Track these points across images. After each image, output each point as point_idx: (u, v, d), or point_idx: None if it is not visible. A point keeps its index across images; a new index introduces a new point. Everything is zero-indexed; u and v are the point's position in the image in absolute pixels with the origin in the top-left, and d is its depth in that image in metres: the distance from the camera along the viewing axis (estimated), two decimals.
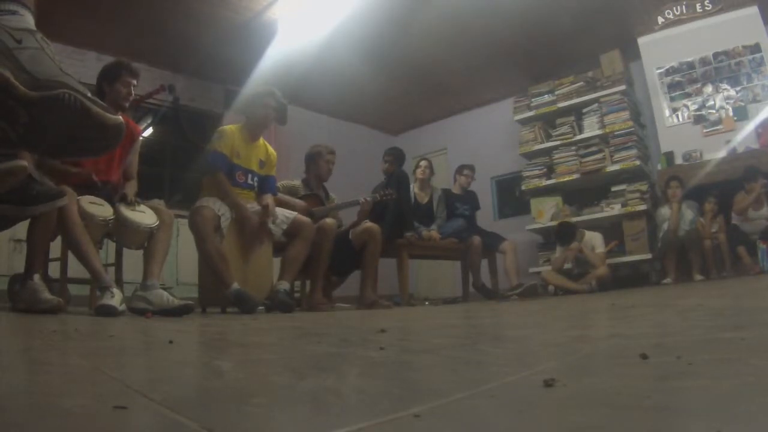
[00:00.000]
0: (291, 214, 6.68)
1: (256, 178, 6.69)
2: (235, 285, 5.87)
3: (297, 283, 7.89)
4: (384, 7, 9.45)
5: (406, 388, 1.48)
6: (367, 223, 7.71)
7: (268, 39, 9.84)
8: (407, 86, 12.33)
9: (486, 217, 12.10)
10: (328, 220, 7.11)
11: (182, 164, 10.86)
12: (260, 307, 6.14)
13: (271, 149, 6.97)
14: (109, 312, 4.44)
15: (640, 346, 1.88)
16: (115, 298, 4.64)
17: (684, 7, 10.94)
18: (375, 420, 1.04)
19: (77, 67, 9.20)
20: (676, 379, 1.38)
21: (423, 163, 10.09)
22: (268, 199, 6.59)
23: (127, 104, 5.63)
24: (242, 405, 1.19)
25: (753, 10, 10.47)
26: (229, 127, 6.68)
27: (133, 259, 5.76)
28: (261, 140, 6.88)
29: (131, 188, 5.70)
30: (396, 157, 9.39)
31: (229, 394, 1.34)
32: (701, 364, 1.59)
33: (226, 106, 11.40)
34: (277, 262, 6.76)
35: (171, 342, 2.61)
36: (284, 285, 6.39)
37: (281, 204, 6.94)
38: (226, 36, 9.82)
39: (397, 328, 3.82)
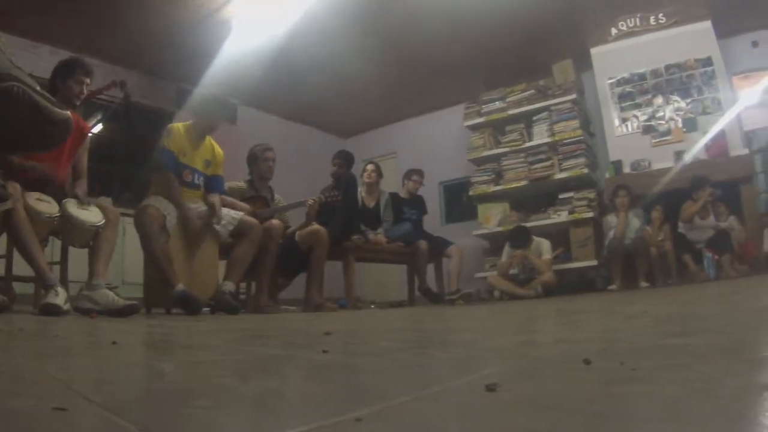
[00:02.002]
0: (237, 214, 6.64)
1: (201, 178, 6.63)
2: (180, 285, 5.82)
3: (243, 284, 7.85)
4: (337, 12, 9.43)
5: (350, 392, 1.48)
6: (314, 226, 7.69)
7: (221, 38, 9.78)
8: (359, 90, 12.30)
9: (433, 222, 12.11)
10: (275, 222, 7.06)
11: (132, 162, 10.75)
12: (205, 309, 6.10)
13: (218, 149, 6.91)
14: (54, 311, 4.40)
15: (585, 351, 1.89)
16: (60, 297, 4.59)
17: (638, 19, 11.06)
18: (317, 423, 1.04)
19: (30, 60, 9.04)
20: (621, 384, 1.39)
21: (370, 167, 10.11)
22: (215, 198, 6.55)
23: (78, 102, 5.57)
24: (184, 407, 1.19)
25: (706, 25, 10.66)
26: (177, 125, 6.62)
27: (78, 257, 5.66)
28: (208, 139, 6.82)
29: (81, 187, 5.64)
30: (345, 160, 9.38)
31: (172, 396, 1.33)
32: (646, 369, 1.60)
33: (178, 104, 11.24)
34: (223, 263, 6.72)
35: (115, 343, 2.59)
36: (229, 286, 6.35)
37: (227, 206, 6.90)
38: (180, 34, 9.73)
39: (342, 331, 3.82)
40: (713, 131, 10.13)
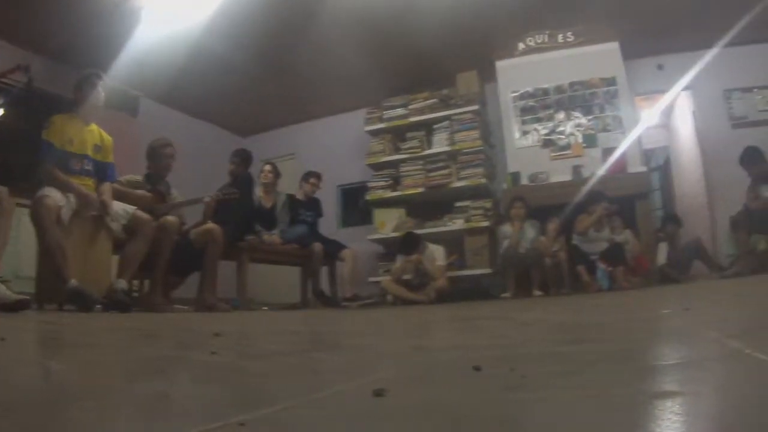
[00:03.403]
0: (130, 208, 6.51)
1: (91, 164, 6.47)
2: (74, 281, 5.69)
3: (136, 281, 7.73)
4: (244, 8, 9.34)
5: (237, 395, 1.47)
6: (209, 224, 7.60)
7: (130, 28, 9.59)
8: (262, 88, 12.16)
9: (329, 225, 12.07)
10: (170, 218, 6.91)
11: (33, 150, 10.44)
12: (98, 306, 5.98)
13: (105, 134, 6.74)
14: None
15: (477, 357, 1.90)
16: None
17: (546, 36, 11.21)
18: (199, 428, 1.02)
19: None
20: (512, 391, 1.40)
21: (267, 167, 10.05)
22: (106, 189, 6.43)
23: None
24: (69, 409, 1.16)
25: (614, 46, 10.91)
26: (59, 116, 6.47)
27: None
28: (94, 125, 6.67)
29: None
30: (243, 159, 9.32)
31: (58, 396, 1.30)
32: (538, 376, 1.62)
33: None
34: (116, 258, 6.59)
35: (3, 339, 2.52)
36: (122, 283, 6.23)
37: (123, 197, 6.77)
38: (89, 20, 9.46)
39: (234, 332, 3.79)
40: (621, 148, 10.33)
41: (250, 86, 11.92)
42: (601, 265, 9.34)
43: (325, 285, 9.79)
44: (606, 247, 9.54)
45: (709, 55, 10.47)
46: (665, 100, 12.12)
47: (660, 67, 11.55)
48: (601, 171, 10.16)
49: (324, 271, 9.87)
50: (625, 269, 9.39)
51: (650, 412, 1.12)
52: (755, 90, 11.26)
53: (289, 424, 1.12)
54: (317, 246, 9.54)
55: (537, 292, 9.44)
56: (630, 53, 10.95)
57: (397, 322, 5.43)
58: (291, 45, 10.48)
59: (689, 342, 2.36)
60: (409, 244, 9.89)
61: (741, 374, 1.48)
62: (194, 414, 1.20)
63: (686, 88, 11.52)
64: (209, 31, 9.61)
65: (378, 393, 1.32)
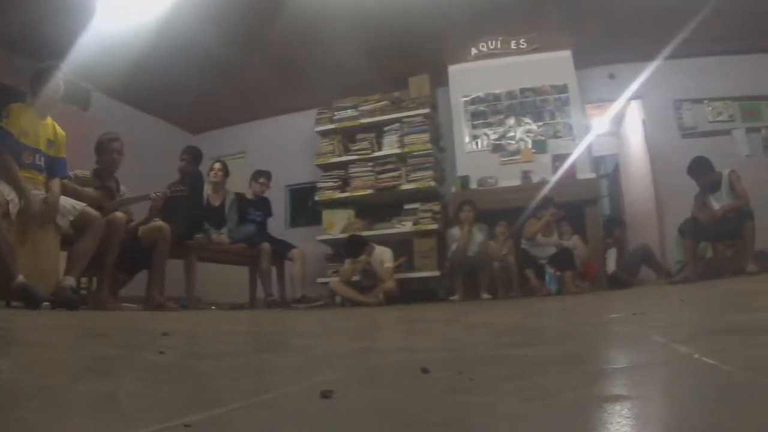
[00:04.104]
0: (79, 204, 6.41)
1: (43, 159, 6.38)
2: (21, 278, 5.61)
3: (84, 279, 7.65)
4: (199, 6, 9.27)
5: (183, 396, 1.45)
6: (157, 222, 7.49)
7: (85, 20, 9.46)
8: (214, 85, 12.07)
9: (278, 225, 12.04)
10: (118, 215, 6.78)
11: None
12: (45, 303, 5.90)
13: (59, 129, 6.62)
14: None
15: (425, 360, 1.89)
16: None
17: (499, 42, 11.28)
18: (144, 429, 1.01)
19: None
20: (459, 394, 1.39)
21: (217, 165, 9.96)
22: (55, 185, 6.34)
23: None
24: (15, 409, 1.13)
25: (567, 54, 11.10)
26: (17, 105, 6.36)
27: None
28: (49, 119, 6.58)
29: None
30: (193, 156, 9.26)
31: (2, 396, 1.28)
32: (485, 380, 1.62)
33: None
34: (64, 255, 6.51)
35: None
36: (70, 281, 6.13)
37: (72, 193, 6.69)
38: (44, 9, 9.35)
39: (182, 331, 3.77)
40: (572, 155, 10.46)
41: (202, 83, 11.83)
42: (550, 270, 9.41)
43: (273, 285, 9.74)
44: (555, 251, 9.60)
45: (653, 65, 10.60)
46: (615, 108, 12.23)
47: (612, 76, 11.70)
48: (553, 177, 10.24)
49: (273, 271, 9.81)
50: (573, 274, 9.48)
51: (599, 416, 1.12)
52: (706, 101, 11.48)
53: (235, 426, 1.11)
54: (265, 246, 9.49)
55: (485, 296, 9.48)
56: (582, 62, 11.13)
57: (345, 323, 5.42)
58: (244, 43, 10.43)
59: (637, 346, 2.37)
60: (353, 246, 9.90)
61: (689, 378, 1.49)
62: (139, 415, 1.18)
63: (637, 97, 11.74)
64: (164, 27, 9.51)
65: (325, 395, 1.32)
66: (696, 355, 1.75)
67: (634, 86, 10.95)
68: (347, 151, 11.99)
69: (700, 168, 9.08)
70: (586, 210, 10.30)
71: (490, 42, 11.28)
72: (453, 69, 11.67)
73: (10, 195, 5.83)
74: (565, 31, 10.73)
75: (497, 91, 11.40)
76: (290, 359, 2.42)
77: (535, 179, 10.57)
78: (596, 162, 12.66)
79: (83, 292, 7.58)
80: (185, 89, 12.04)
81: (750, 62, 11.39)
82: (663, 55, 10.34)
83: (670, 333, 2.51)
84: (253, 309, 9.41)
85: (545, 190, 9.79)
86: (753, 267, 8.34)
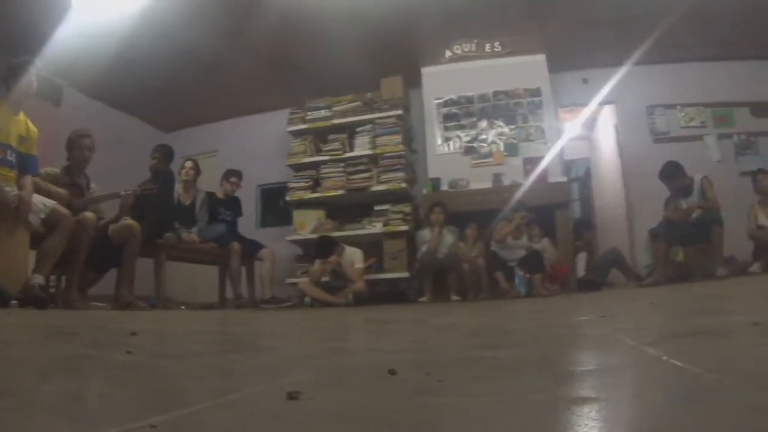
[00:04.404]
0: (50, 202, 6.36)
1: (14, 155, 6.32)
2: None
3: (53, 277, 7.59)
4: (174, 3, 9.22)
5: (150, 396, 1.44)
6: (128, 220, 7.43)
7: (60, 15, 9.39)
8: (187, 83, 11.99)
9: (248, 225, 12.00)
10: (88, 214, 6.77)
11: None
12: (13, 301, 5.86)
13: (32, 125, 6.56)
14: None
15: (394, 361, 1.88)
16: None
17: (474, 45, 11.34)
18: (109, 430, 1.00)
19: None
20: (427, 395, 1.39)
21: (188, 163, 9.92)
22: (27, 183, 6.28)
23: None
24: None
25: (541, 58, 11.21)
26: None
27: None
28: (22, 115, 6.51)
29: None
30: (164, 154, 9.20)
31: None
32: (454, 381, 1.61)
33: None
34: (33, 253, 6.46)
35: None
36: (39, 279, 6.09)
37: (41, 191, 6.63)
38: (19, 3, 9.26)
39: (150, 331, 3.75)
40: (545, 159, 10.57)
41: (175, 81, 11.77)
42: (519, 272, 9.44)
43: (243, 285, 9.71)
44: (524, 254, 9.63)
45: (623, 70, 10.69)
46: (587, 112, 12.30)
47: (585, 81, 11.83)
48: (524, 180, 10.32)
49: (243, 270, 9.78)
50: (543, 276, 9.52)
51: (567, 418, 1.12)
52: (678, 107, 11.66)
53: (201, 426, 1.10)
54: (235, 245, 9.47)
55: (455, 297, 9.51)
56: (556, 66, 11.24)
57: (314, 324, 5.42)
58: (218, 41, 10.40)
59: (606, 349, 2.37)
60: (324, 247, 9.89)
61: (657, 381, 1.49)
62: (105, 415, 1.17)
63: (610, 102, 11.85)
64: (138, 24, 9.47)
65: (292, 396, 1.31)
66: (665, 358, 1.75)
67: (604, 92, 11.03)
68: (319, 152, 11.96)
69: (671, 173, 9.16)
70: (557, 213, 10.40)
71: (464, 45, 11.34)
72: (426, 71, 11.73)
73: None
74: (540, 35, 10.82)
75: (470, 94, 11.47)
76: (258, 360, 2.41)
77: (506, 182, 10.65)
78: (567, 165, 12.73)
79: (52, 290, 7.54)
80: (158, 87, 11.97)
81: (722, 69, 11.57)
82: (632, 61, 10.48)
83: (639, 335, 2.51)
84: (223, 309, 9.39)
85: (519, 194, 9.83)
86: (722, 271, 8.43)
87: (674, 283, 8.50)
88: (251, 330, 4.50)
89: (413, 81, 11.94)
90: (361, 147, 11.60)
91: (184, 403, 1.32)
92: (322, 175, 11.73)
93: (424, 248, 9.86)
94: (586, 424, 1.06)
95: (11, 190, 6.05)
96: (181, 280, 11.84)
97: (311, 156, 11.91)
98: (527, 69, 11.22)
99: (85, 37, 9.54)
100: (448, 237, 9.84)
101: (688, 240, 9.17)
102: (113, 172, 9.43)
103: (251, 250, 9.83)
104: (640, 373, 1.65)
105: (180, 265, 9.94)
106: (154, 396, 1.46)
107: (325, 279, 9.90)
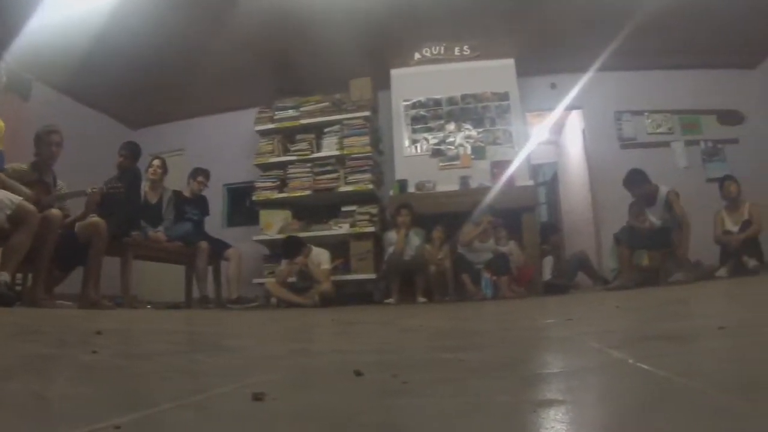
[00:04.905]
0: (16, 198, 6.31)
1: None
2: None
3: (19, 275, 7.53)
4: (154, 2, 9.21)
5: (114, 396, 1.43)
6: (94, 218, 7.36)
7: (30, 9, 9.29)
8: (156, 80, 11.88)
9: (215, 224, 11.95)
10: (54, 211, 6.67)
11: None
12: None
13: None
14: None
15: (359, 362, 1.88)
16: None
17: (443, 48, 11.37)
18: (73, 430, 0.99)
19: None
20: (393, 397, 1.39)
21: (156, 162, 9.83)
22: None
23: None
24: None
25: (509, 62, 11.34)
26: None
27: None
28: None
29: None
30: (132, 152, 9.14)
31: None
32: (419, 383, 1.61)
33: None
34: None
35: None
36: (4, 276, 6.04)
37: (6, 187, 6.57)
38: None
39: (116, 330, 3.73)
40: (513, 163, 10.68)
41: (144, 78, 11.69)
42: (486, 275, 9.45)
43: (209, 285, 9.67)
44: (491, 257, 9.65)
45: (587, 76, 10.82)
46: (555, 117, 12.38)
47: (553, 86, 11.92)
48: (491, 183, 10.39)
49: (209, 270, 9.75)
50: (509, 279, 9.54)
51: (534, 421, 1.12)
52: (646, 113, 11.83)
53: (166, 427, 1.10)
54: (202, 245, 9.45)
55: (421, 299, 9.53)
56: (525, 70, 11.35)
57: (280, 325, 5.40)
58: (188, 40, 10.36)
59: (572, 352, 2.38)
60: (290, 247, 9.86)
61: (624, 384, 1.50)
62: (69, 416, 1.16)
63: (578, 107, 11.98)
64: (109, 20, 9.42)
65: (257, 397, 1.31)
66: (631, 361, 1.76)
67: (575, 96, 11.11)
68: (286, 152, 11.93)
69: (634, 180, 9.27)
70: (524, 216, 10.43)
71: (433, 47, 11.37)
72: (395, 73, 11.78)
73: None
74: (509, 39, 10.86)
75: (438, 97, 11.55)
76: (223, 360, 2.40)
77: (474, 185, 10.72)
78: (535, 169, 12.84)
79: (18, 288, 7.48)
80: (128, 83, 11.89)
81: (690, 78, 11.78)
82: (597, 67, 10.60)
83: (604, 338, 2.53)
84: (189, 308, 9.34)
85: (486, 197, 9.85)
86: (688, 275, 8.50)
87: (640, 287, 8.57)
88: (217, 330, 4.49)
89: (382, 83, 11.94)
90: (329, 148, 11.59)
91: (148, 404, 1.31)
92: (289, 175, 11.69)
93: (390, 250, 9.86)
94: (552, 427, 1.06)
95: None
96: (148, 280, 11.78)
97: (278, 156, 11.87)
98: (496, 73, 11.33)
99: (56, 31, 9.48)
100: (415, 239, 9.85)
101: (651, 245, 9.26)
102: (80, 169, 9.35)
103: (218, 249, 9.81)
104: (607, 376, 1.65)
105: (147, 264, 9.89)
106: (118, 396, 1.45)
107: (291, 279, 9.88)
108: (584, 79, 11.00)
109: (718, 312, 4.09)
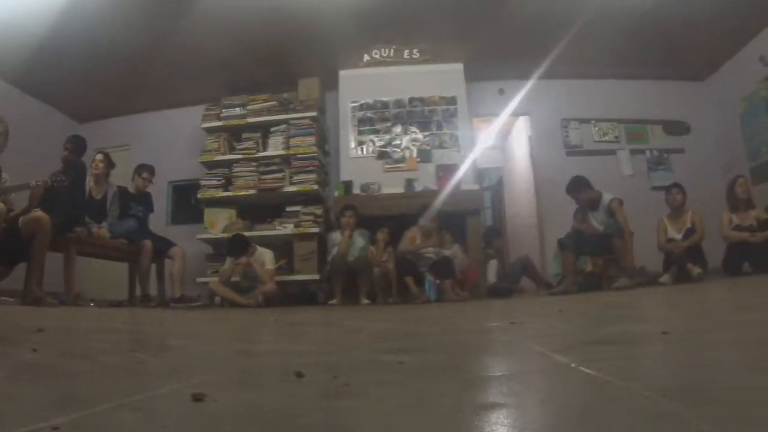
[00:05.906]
0: None
1: None
2: None
3: None
4: None
5: (53, 396, 1.42)
6: (37, 212, 7.27)
7: None
8: (104, 73, 11.69)
9: (159, 221, 11.83)
10: None
11: None
12: None
13: None
14: None
15: (301, 363, 1.89)
16: None
17: (392, 50, 11.35)
18: (10, 431, 0.97)
19: None
20: (333, 398, 1.40)
21: (99, 156, 9.67)
22: None
23: None
24: None
25: (458, 67, 11.42)
26: None
27: None
28: None
29: None
30: (76, 146, 9.04)
31: None
32: (361, 384, 1.61)
33: None
34: None
35: None
36: None
37: None
38: None
39: (58, 328, 3.70)
40: (460, 167, 10.74)
41: (93, 71, 11.55)
42: (430, 277, 9.47)
43: (153, 283, 9.60)
44: (434, 259, 9.67)
45: (530, 83, 10.96)
46: (502, 122, 12.46)
47: (501, 91, 12.00)
48: (436, 186, 10.43)
49: (152, 268, 9.67)
50: (453, 282, 9.55)
51: (475, 423, 1.13)
52: (592, 122, 11.96)
53: (104, 428, 1.09)
54: (147, 243, 9.34)
55: (364, 301, 9.53)
56: (473, 75, 11.41)
57: (222, 325, 5.39)
58: (138, 35, 10.26)
59: (515, 355, 2.40)
60: (236, 246, 9.83)
61: (566, 387, 1.51)
62: (6, 416, 1.15)
63: (525, 113, 12.07)
64: (61, 11, 9.31)
65: (197, 397, 1.30)
66: (573, 365, 1.77)
67: (522, 102, 11.21)
68: (232, 150, 11.88)
69: (577, 187, 9.39)
70: (468, 220, 10.50)
71: (383, 50, 11.35)
72: (344, 74, 11.76)
73: None
74: (459, 44, 10.90)
75: (386, 99, 11.57)
76: (165, 360, 2.40)
77: (419, 188, 10.78)
78: (481, 174, 12.87)
79: None
80: (75, 76, 11.73)
81: (637, 88, 11.99)
82: (541, 74, 10.71)
83: (547, 342, 2.54)
84: (132, 307, 9.26)
85: (431, 201, 9.88)
86: (631, 282, 8.59)
87: (584, 292, 8.65)
88: (159, 329, 4.46)
89: (330, 83, 11.93)
90: (275, 147, 11.58)
91: (87, 404, 1.30)
92: (234, 174, 11.66)
93: (334, 251, 9.84)
94: (494, 430, 1.07)
95: None
96: (93, 277, 11.68)
97: (224, 154, 11.81)
98: (444, 77, 11.38)
99: (6, 20, 9.37)
100: (359, 241, 9.84)
101: (594, 251, 9.34)
102: (25, 162, 9.24)
103: (162, 247, 9.71)
104: (549, 379, 1.66)
105: (92, 261, 9.81)
106: (57, 396, 1.44)
107: (235, 279, 9.84)
108: (530, 86, 11.10)
109: (662, 317, 4.13)
